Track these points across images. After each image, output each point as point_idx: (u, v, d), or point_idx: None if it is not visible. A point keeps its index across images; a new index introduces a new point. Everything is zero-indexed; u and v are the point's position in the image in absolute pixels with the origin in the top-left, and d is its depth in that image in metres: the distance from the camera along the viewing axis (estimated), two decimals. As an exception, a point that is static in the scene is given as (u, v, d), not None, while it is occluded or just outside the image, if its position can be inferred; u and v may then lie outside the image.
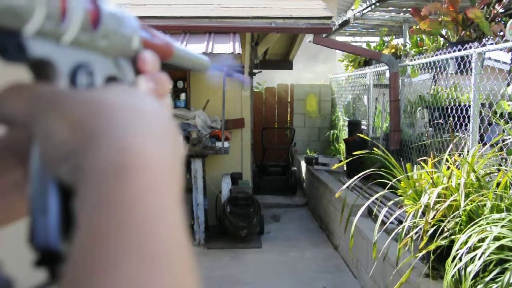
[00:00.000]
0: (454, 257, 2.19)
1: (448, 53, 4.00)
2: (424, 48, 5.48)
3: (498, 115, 3.37)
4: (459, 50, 3.73)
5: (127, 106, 0.28)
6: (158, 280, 0.22)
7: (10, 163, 0.34)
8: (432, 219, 2.46)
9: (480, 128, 3.52)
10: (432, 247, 2.45)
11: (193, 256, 0.26)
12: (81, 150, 0.25)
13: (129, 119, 0.27)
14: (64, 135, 0.26)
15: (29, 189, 0.28)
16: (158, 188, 0.25)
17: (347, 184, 3.15)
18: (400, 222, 3.54)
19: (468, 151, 3.09)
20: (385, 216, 3.17)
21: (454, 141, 3.05)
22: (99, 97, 0.28)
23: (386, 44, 6.53)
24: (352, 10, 6.08)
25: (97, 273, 0.22)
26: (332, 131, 8.11)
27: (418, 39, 5.60)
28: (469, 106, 3.62)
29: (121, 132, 0.26)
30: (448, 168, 2.69)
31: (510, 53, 4.42)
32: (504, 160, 2.88)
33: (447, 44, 4.72)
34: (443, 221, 2.44)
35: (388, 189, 2.90)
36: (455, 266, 2.16)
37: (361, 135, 4.76)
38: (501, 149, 2.84)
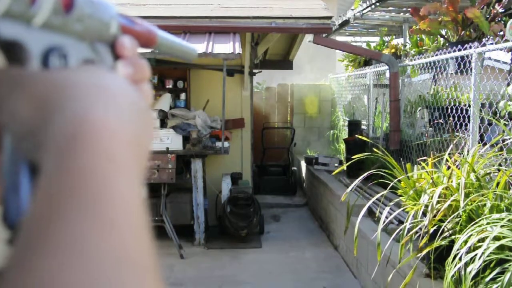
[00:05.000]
0: (454, 257, 2.19)
1: (448, 53, 4.00)
2: (424, 48, 5.47)
3: (498, 115, 3.37)
4: (459, 50, 3.73)
5: (89, 83, 0.29)
6: (107, 237, 0.24)
7: None
8: (433, 218, 2.46)
9: (480, 128, 3.52)
10: (432, 247, 2.45)
11: (150, 227, 0.27)
12: (42, 126, 0.27)
13: (89, 94, 0.28)
14: (27, 113, 0.27)
15: (1, 169, 0.28)
16: (113, 157, 0.26)
17: (350, 187, 3.13)
18: (400, 222, 3.54)
19: (468, 151, 3.09)
20: (385, 216, 3.17)
21: (454, 141, 3.05)
22: (62, 75, 0.29)
23: (386, 44, 6.53)
24: (352, 10, 6.08)
25: (48, 231, 0.23)
26: (332, 131, 8.11)
27: (418, 39, 5.60)
28: (469, 106, 3.62)
29: (79, 105, 0.27)
30: (448, 168, 2.69)
31: (510, 53, 4.42)
32: (504, 160, 2.87)
33: (447, 44, 4.72)
34: (443, 221, 2.44)
35: (388, 189, 2.90)
36: (455, 266, 2.16)
37: (361, 137, 4.75)
38: (501, 149, 2.84)
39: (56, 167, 0.25)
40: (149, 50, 0.42)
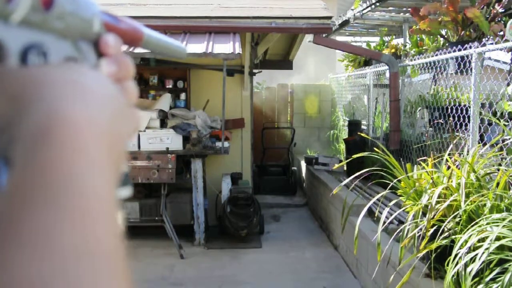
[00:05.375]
0: (455, 257, 2.19)
1: (448, 53, 4.00)
2: (424, 48, 5.47)
3: (498, 115, 3.37)
4: (459, 50, 3.73)
5: (65, 79, 0.29)
6: (77, 228, 0.24)
7: None
8: (432, 218, 2.46)
9: (480, 128, 3.52)
10: (432, 247, 2.45)
11: (122, 219, 0.28)
12: (16, 121, 0.27)
13: (63, 90, 0.28)
14: (4, 109, 0.27)
15: None
16: (84, 151, 0.27)
17: (344, 182, 3.14)
18: (400, 222, 3.54)
19: (468, 151, 3.09)
20: (385, 216, 3.16)
21: (454, 141, 3.05)
22: (39, 72, 0.29)
23: (386, 44, 6.52)
24: (352, 10, 6.08)
25: (18, 224, 0.23)
26: (332, 131, 8.11)
27: (418, 39, 5.60)
28: (469, 106, 3.62)
29: (54, 100, 0.27)
30: (448, 168, 2.69)
31: (510, 53, 4.42)
32: (504, 160, 2.87)
33: (447, 44, 4.72)
34: (443, 221, 2.43)
35: (388, 189, 2.89)
36: (455, 266, 2.16)
37: (362, 134, 4.75)
38: (501, 149, 2.83)
39: (27, 160, 0.25)
40: (139, 49, 0.42)
